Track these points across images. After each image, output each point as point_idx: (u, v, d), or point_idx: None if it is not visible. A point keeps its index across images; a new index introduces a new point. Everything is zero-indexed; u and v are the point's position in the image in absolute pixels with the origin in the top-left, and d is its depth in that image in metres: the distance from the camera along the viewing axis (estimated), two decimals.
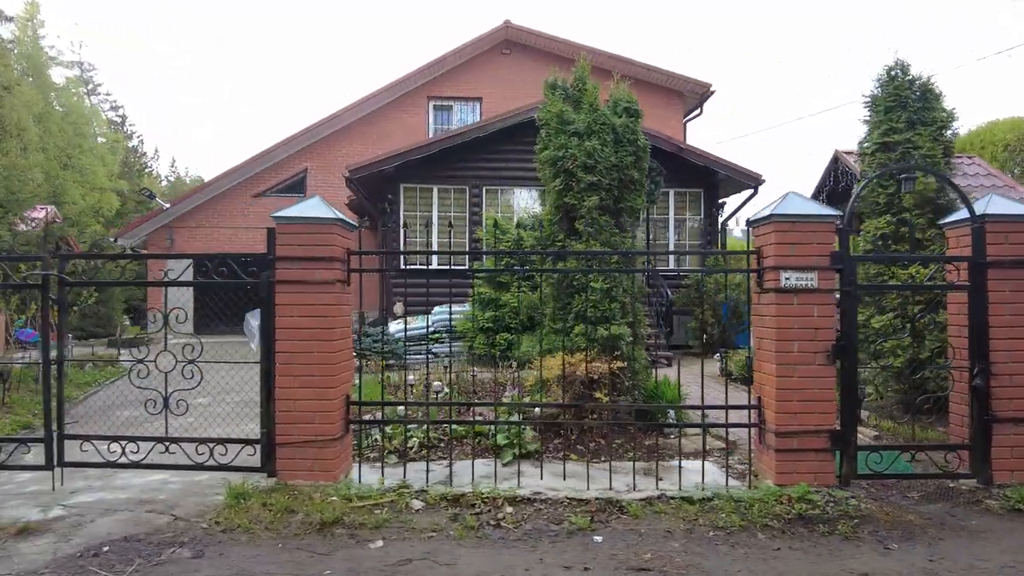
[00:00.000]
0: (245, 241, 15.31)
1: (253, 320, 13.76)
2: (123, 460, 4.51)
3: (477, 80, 16.19)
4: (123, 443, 4.51)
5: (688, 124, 16.74)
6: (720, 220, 12.28)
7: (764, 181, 11.72)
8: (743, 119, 63.69)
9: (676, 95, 16.05)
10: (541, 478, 4.66)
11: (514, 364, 8.29)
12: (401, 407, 5.86)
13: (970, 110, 46.03)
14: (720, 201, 12.51)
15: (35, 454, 4.73)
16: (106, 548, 3.63)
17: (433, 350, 11.34)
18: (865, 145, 6.88)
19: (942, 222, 5.11)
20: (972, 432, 4.53)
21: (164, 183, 43.19)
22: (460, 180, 12.11)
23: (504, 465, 5.04)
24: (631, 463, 4.80)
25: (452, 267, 10.73)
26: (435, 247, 12.02)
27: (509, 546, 3.72)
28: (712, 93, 15.86)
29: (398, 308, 11.88)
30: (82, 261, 10.31)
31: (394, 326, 11.34)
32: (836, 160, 10.05)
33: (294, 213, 4.48)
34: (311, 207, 4.51)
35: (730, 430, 4.82)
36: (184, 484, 4.68)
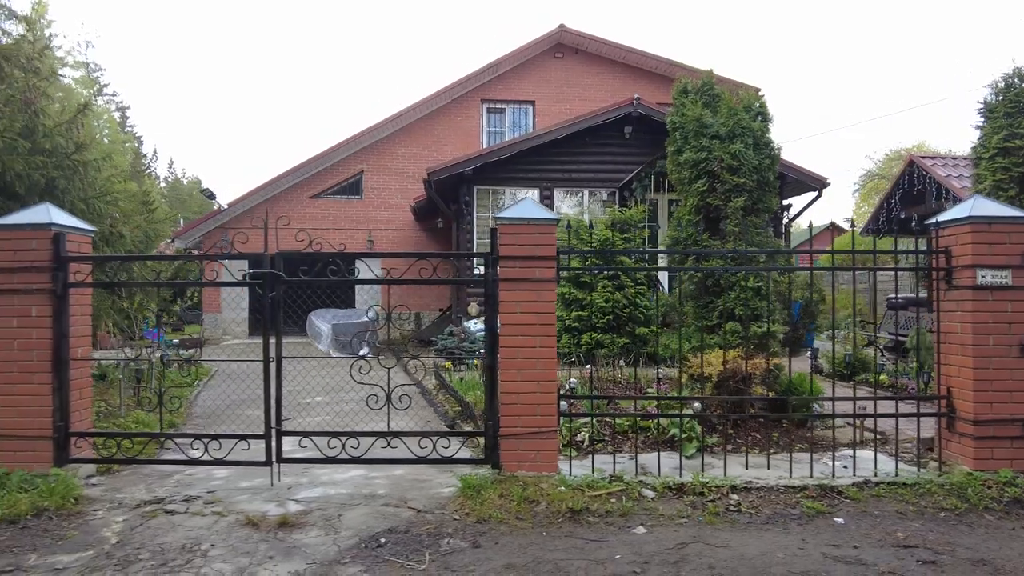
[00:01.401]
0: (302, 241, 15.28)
1: (318, 321, 13.86)
2: (343, 456, 4.65)
3: (529, 83, 16.41)
4: (343, 439, 4.66)
5: None
6: (784, 221, 12.62)
7: (829, 184, 12.07)
8: (784, 123, 64.11)
9: None
10: (725, 469, 4.87)
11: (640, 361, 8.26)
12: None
13: None
14: (785, 203, 12.85)
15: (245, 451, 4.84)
16: (383, 539, 3.78)
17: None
18: (981, 150, 7.18)
19: None
20: None
21: (162, 183, 42.92)
22: (532, 181, 12.33)
23: (688, 458, 5.25)
24: (795, 453, 5.01)
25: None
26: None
27: (763, 529, 3.94)
28: (759, 96, 16.16)
29: (472, 308, 12.05)
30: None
31: (472, 325, 11.50)
32: (911, 164, 10.39)
33: (515, 214, 4.67)
34: (528, 209, 4.71)
35: (878, 421, 5.09)
36: (389, 479, 4.83)
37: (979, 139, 7.22)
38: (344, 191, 16.23)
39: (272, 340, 4.70)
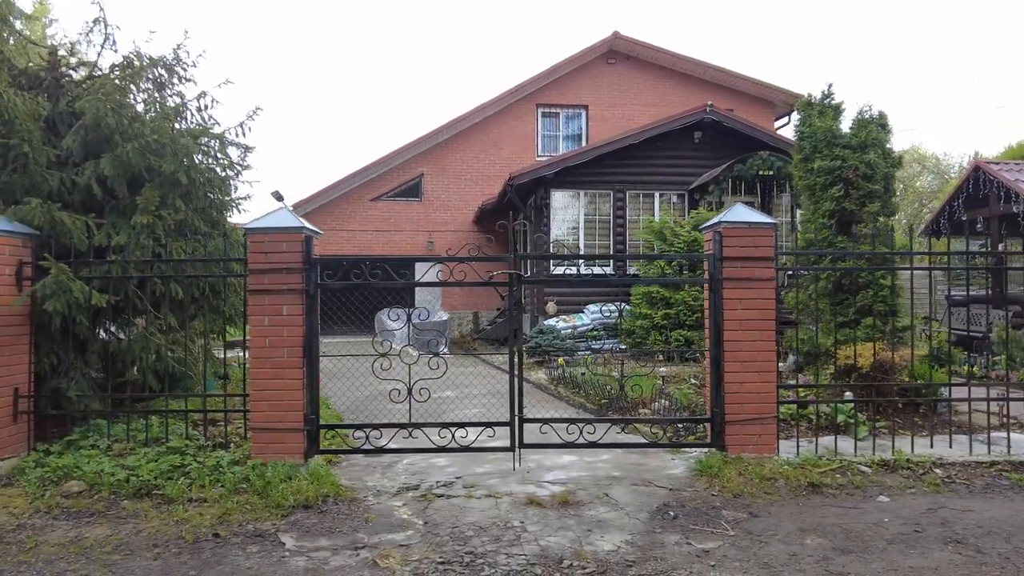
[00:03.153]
0: (363, 243, 15.65)
1: (389, 320, 14.13)
2: (580, 441, 5.05)
3: (582, 88, 16.87)
4: (580, 425, 5.05)
5: (778, 130, 17.74)
6: None
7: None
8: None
9: (767, 103, 17.04)
10: (892, 447, 5.34)
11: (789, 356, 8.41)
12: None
13: None
14: None
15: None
16: (671, 512, 4.20)
17: (592, 346, 12.00)
18: None
19: None
20: None
21: None
22: (606, 185, 12.78)
23: (860, 440, 5.72)
24: (954, 435, 5.53)
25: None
26: (582, 248, 12.67)
27: (988, 498, 4.42)
28: None
29: (550, 307, 12.46)
30: None
31: (556, 323, 11.91)
32: (977, 169, 11.07)
33: (737, 219, 5.10)
34: (749, 214, 5.14)
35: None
36: (608, 464, 5.21)
37: None
38: (404, 194, 16.52)
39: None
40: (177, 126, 6.67)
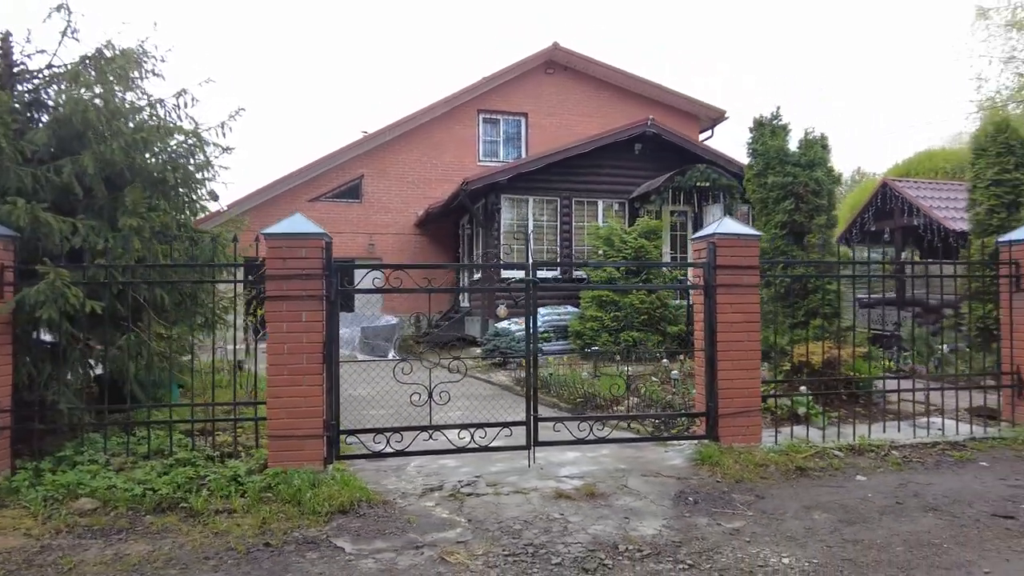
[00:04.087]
0: None
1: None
2: (590, 437, 5.38)
3: (523, 96, 17.24)
4: (591, 423, 5.39)
5: (704, 143, 18.92)
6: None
7: None
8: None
9: (693, 117, 18.14)
10: (853, 434, 6.08)
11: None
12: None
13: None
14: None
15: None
16: (691, 498, 4.60)
17: (543, 348, 12.39)
18: (976, 180, 9.04)
19: None
20: None
21: None
22: (553, 192, 13.22)
23: (820, 428, 6.42)
24: (887, 422, 6.38)
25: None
26: (530, 253, 13.02)
27: (939, 472, 5.16)
28: (725, 119, 18.18)
29: (502, 311, 12.73)
30: None
31: (509, 326, 12.19)
32: (884, 185, 12.45)
33: (728, 230, 5.60)
34: (736, 226, 5.67)
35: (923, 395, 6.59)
36: (610, 458, 5.59)
37: (974, 172, 9.09)
38: (344, 195, 16.21)
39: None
40: (152, 123, 6.39)
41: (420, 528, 4.12)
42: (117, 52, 6.28)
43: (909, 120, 54.87)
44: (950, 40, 52.82)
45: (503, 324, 12.33)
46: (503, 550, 3.75)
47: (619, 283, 11.47)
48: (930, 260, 8.02)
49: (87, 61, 6.22)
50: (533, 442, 5.30)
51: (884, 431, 6.11)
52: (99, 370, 5.78)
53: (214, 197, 7.24)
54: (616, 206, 13.74)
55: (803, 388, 7.20)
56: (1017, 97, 18.68)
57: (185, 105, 6.63)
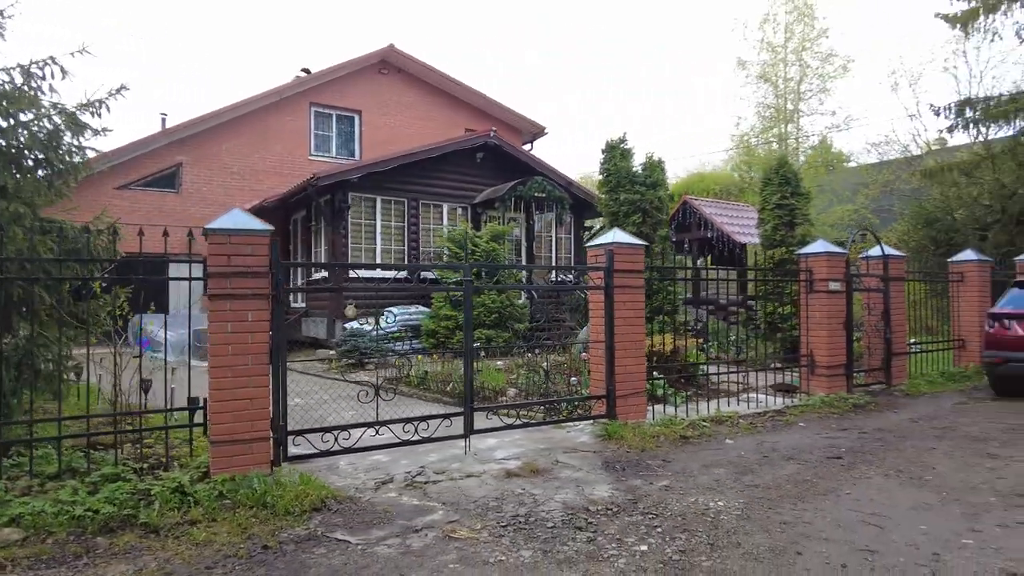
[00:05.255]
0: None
1: (154, 328, 12.36)
2: (517, 423, 5.96)
3: (357, 94, 16.87)
4: (518, 410, 5.97)
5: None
6: (585, 240, 16.12)
7: None
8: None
9: (517, 130, 19.39)
10: (708, 408, 7.54)
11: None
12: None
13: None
14: (587, 224, 16.36)
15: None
16: (617, 465, 5.42)
17: (395, 348, 12.55)
18: (764, 203, 11.36)
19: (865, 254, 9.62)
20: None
21: None
22: (401, 193, 13.36)
23: (675, 406, 7.75)
24: (721, 399, 8.06)
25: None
26: (379, 253, 13.07)
27: (777, 432, 6.68)
28: (545, 134, 19.71)
29: (350, 310, 12.58)
30: None
31: (359, 326, 12.10)
32: (685, 202, 14.81)
33: (621, 240, 6.55)
34: (626, 237, 6.65)
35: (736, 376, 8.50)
36: (527, 440, 6.25)
37: (762, 197, 11.41)
38: (157, 183, 14.38)
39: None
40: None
41: (403, 516, 4.33)
42: None
43: (686, 143, 63.83)
44: (723, 82, 62.53)
45: (353, 324, 12.23)
46: (496, 523, 4.17)
47: (507, 284, 12.12)
48: (732, 267, 10.02)
49: None
50: (470, 430, 5.71)
51: (728, 405, 7.60)
52: None
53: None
54: (460, 210, 14.37)
55: (655, 373, 8.57)
56: (762, 136, 23.29)
57: (51, 76, 5.80)
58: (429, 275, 13.47)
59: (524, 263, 14.42)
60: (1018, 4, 14.73)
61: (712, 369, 8.69)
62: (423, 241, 13.72)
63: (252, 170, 15.55)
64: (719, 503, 4.51)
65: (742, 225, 13.82)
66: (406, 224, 13.56)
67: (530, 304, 12.97)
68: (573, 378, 8.04)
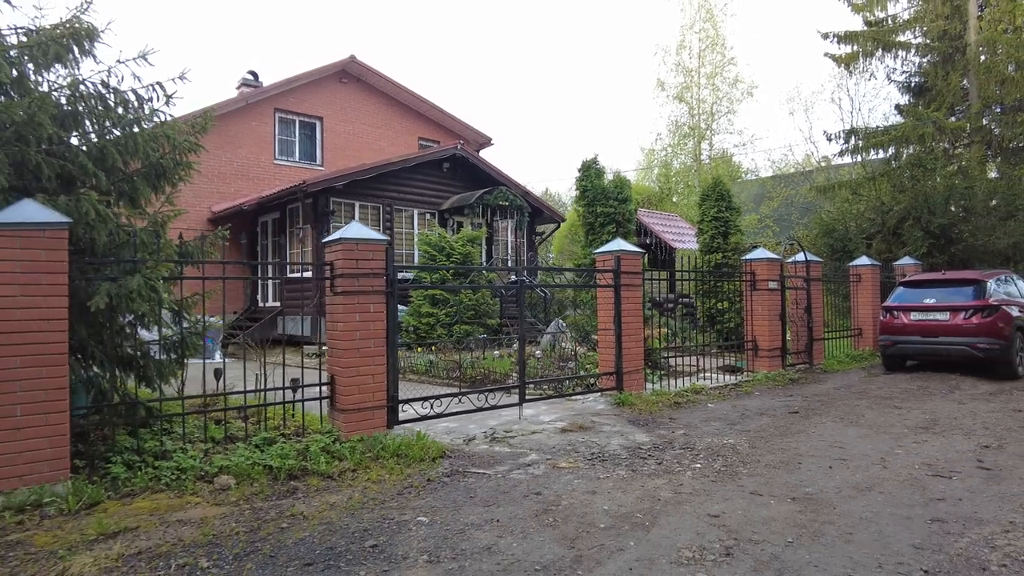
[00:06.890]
0: None
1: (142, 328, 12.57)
2: (549, 393, 7.44)
3: (319, 102, 17.46)
4: (555, 385, 7.44)
5: None
6: (537, 245, 17.73)
7: (566, 219, 17.68)
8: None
9: (464, 140, 20.60)
10: (679, 384, 9.36)
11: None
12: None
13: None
14: (539, 230, 17.93)
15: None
16: (640, 421, 7.03)
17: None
18: (703, 216, 13.45)
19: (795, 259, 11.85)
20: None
21: None
22: (378, 199, 14.33)
23: (653, 383, 9.50)
24: (682, 378, 9.98)
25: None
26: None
27: (746, 398, 8.56)
28: (491, 144, 21.05)
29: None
30: None
31: None
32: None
33: (627, 248, 8.17)
34: (630, 245, 8.28)
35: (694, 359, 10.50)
36: (550, 409, 7.74)
37: (701, 211, 13.49)
38: None
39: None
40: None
41: (509, 459, 5.68)
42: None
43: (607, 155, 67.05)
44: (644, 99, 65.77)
45: None
46: (583, 458, 5.63)
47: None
48: (678, 270, 11.99)
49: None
50: (523, 399, 7.11)
51: (693, 382, 9.45)
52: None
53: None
54: (429, 216, 15.53)
55: None
56: (675, 150, 26.08)
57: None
58: (407, 275, 14.56)
59: (484, 264, 15.82)
60: (889, 54, 18.05)
61: (675, 355, 10.54)
62: (396, 244, 14.77)
63: (219, 172, 15.88)
64: (730, 440, 6.22)
65: (674, 232, 15.99)
66: (381, 227, 14.56)
67: (500, 302, 14.37)
68: (571, 363, 9.60)
